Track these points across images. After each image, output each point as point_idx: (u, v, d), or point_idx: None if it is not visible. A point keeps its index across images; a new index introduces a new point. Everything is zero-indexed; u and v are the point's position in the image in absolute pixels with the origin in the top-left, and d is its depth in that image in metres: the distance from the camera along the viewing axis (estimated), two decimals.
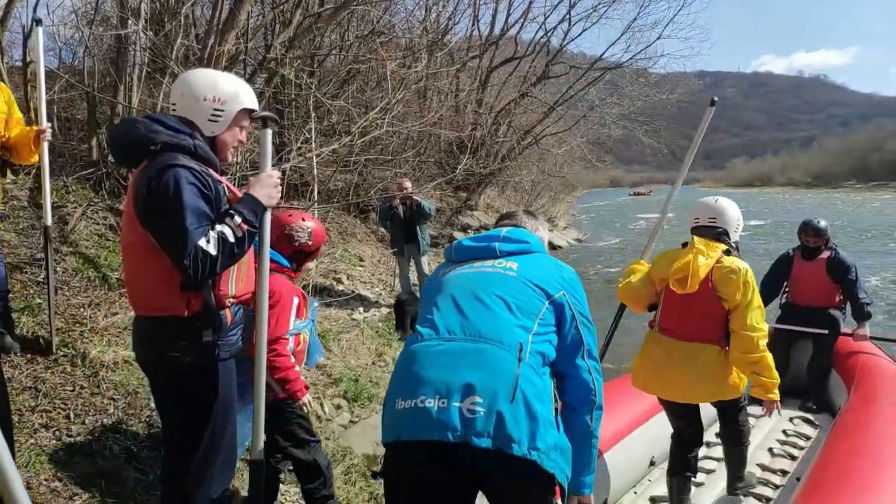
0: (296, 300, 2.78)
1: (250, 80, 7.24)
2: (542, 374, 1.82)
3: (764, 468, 3.76)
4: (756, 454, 3.94)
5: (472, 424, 1.63)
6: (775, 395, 3.04)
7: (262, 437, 2.29)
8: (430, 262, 8.56)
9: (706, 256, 2.97)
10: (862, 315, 4.86)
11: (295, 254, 2.86)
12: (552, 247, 18.87)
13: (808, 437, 4.31)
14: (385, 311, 7.40)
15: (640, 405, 3.78)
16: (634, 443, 3.60)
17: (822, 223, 5.06)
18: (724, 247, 3.06)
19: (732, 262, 2.99)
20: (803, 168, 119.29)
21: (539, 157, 18.89)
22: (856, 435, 3.39)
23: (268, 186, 2.17)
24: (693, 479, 3.28)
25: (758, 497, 3.39)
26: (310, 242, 2.88)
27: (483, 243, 2.09)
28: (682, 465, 3.20)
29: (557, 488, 1.81)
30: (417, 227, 7.78)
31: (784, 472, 3.74)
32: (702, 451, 4.05)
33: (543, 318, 1.89)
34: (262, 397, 2.29)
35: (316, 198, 8.04)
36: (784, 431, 4.35)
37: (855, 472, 2.92)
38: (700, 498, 3.42)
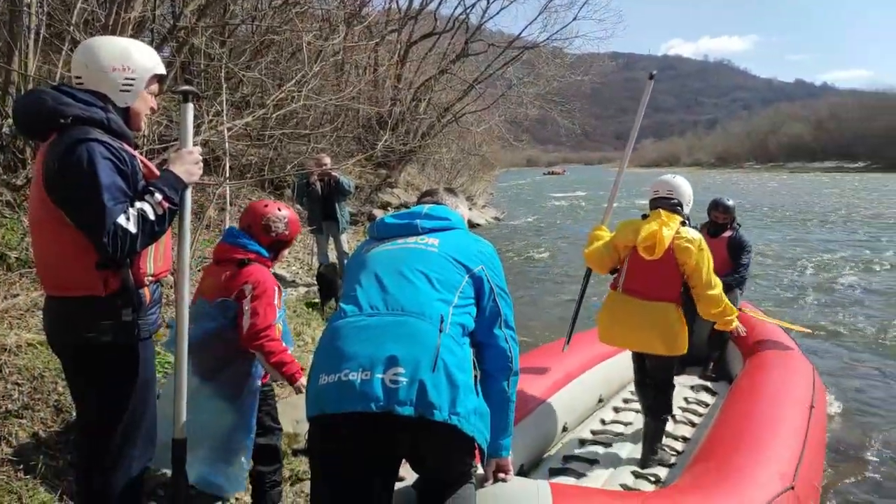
0: (276, 289, 2.78)
1: (158, 49, 6.90)
2: (463, 345, 1.90)
3: (666, 435, 3.98)
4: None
5: (395, 394, 1.69)
6: (738, 326, 3.68)
7: (184, 414, 2.27)
8: (349, 240, 8.49)
9: (669, 228, 3.37)
10: (740, 283, 5.20)
11: (273, 244, 2.86)
12: (471, 225, 18.92)
13: (707, 405, 4.59)
14: (303, 290, 7.32)
15: (552, 376, 3.94)
16: (549, 410, 3.75)
17: (731, 202, 5.39)
18: (681, 218, 3.47)
19: (688, 232, 3.42)
20: (708, 149, 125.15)
21: (459, 136, 18.99)
22: (748, 399, 3.66)
23: (188, 163, 2.14)
24: (670, 417, 3.73)
25: (660, 462, 3.59)
26: (287, 232, 2.88)
27: (405, 220, 2.15)
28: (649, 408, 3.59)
29: (477, 451, 1.90)
30: (336, 205, 7.65)
31: (685, 439, 3.96)
32: (609, 416, 4.29)
33: (463, 291, 1.97)
34: (184, 377, 2.28)
35: (227, 173, 7.80)
36: (685, 399, 4.59)
37: (748, 433, 3.17)
38: (608, 460, 3.59)
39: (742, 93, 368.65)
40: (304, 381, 2.75)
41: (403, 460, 1.95)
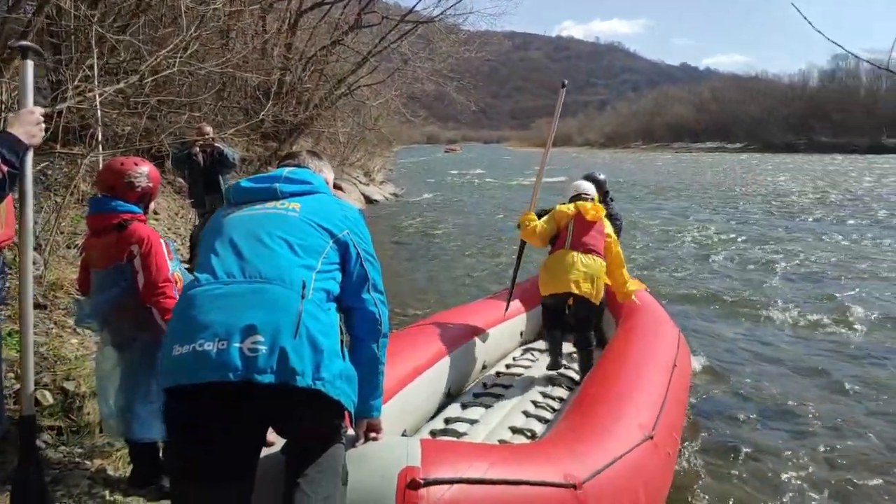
0: (163, 242, 2.75)
1: (14, 7, 6.35)
2: (328, 310, 1.86)
3: (544, 395, 4.13)
4: (540, 382, 4.34)
5: (254, 362, 1.63)
6: (633, 290, 4.73)
7: (32, 387, 2.15)
8: None
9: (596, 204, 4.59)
10: None
11: (140, 199, 2.84)
12: (370, 201, 18.99)
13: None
14: (185, 267, 7.00)
15: (438, 344, 4.00)
16: (432, 377, 3.80)
17: (602, 176, 5.63)
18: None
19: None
20: (598, 129, 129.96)
21: (354, 110, 18.67)
22: (616, 361, 3.85)
23: (28, 124, 2.01)
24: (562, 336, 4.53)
25: (539, 419, 3.73)
26: (150, 185, 2.87)
27: (264, 184, 2.05)
28: (555, 327, 4.54)
29: (346, 415, 1.88)
30: (220, 177, 7.32)
31: (562, 399, 4.13)
32: (491, 380, 4.41)
33: (327, 256, 1.92)
34: (30, 347, 2.17)
35: (100, 143, 7.31)
36: (564, 364, 4.80)
37: (612, 390, 3.33)
38: (489, 419, 3.68)
39: (631, 75, 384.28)
40: None
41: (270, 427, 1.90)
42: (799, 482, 3.70)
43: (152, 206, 2.96)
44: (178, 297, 2.70)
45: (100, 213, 2.78)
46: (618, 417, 3.03)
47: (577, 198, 4.65)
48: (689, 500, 3.50)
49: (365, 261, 2.02)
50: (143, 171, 2.84)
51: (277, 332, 1.68)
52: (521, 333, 5.26)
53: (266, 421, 1.81)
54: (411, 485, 1.92)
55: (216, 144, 7.26)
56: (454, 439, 3.34)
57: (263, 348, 1.65)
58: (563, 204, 4.64)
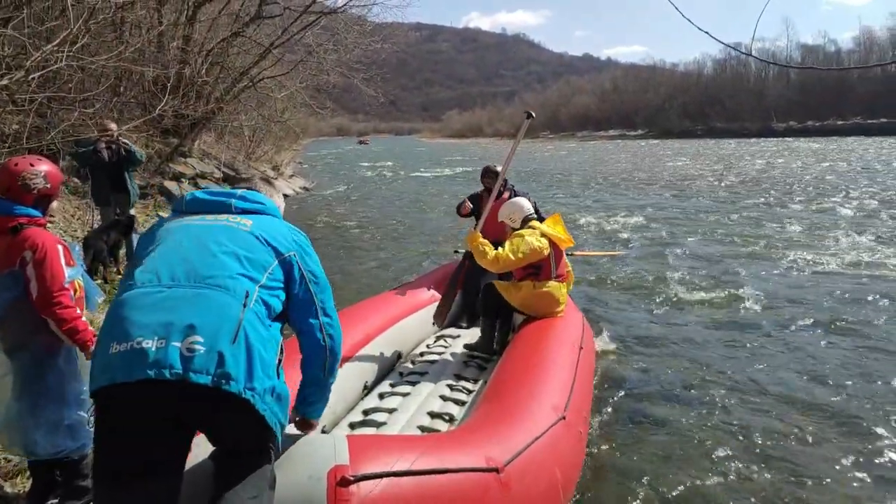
0: (59, 247, 2.61)
1: None
2: (269, 326, 1.88)
3: (459, 378, 4.20)
4: (454, 367, 4.40)
5: (191, 362, 1.65)
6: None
7: None
8: (137, 214, 7.87)
9: None
10: None
11: (38, 201, 2.69)
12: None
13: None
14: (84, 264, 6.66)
15: (353, 337, 3.99)
16: (349, 371, 3.80)
17: (499, 167, 5.79)
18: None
19: None
20: (507, 120, 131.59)
21: (259, 103, 18.17)
22: (526, 344, 4.01)
23: None
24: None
25: (456, 402, 3.77)
26: (48, 185, 2.71)
27: (219, 198, 2.11)
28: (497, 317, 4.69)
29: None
30: (126, 174, 7.08)
31: (476, 381, 4.22)
32: (408, 367, 4.43)
33: (273, 273, 1.96)
34: None
35: None
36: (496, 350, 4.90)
37: (525, 373, 3.44)
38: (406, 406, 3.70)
39: (537, 66, 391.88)
40: None
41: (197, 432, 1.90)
42: (704, 453, 3.91)
43: (54, 205, 2.81)
44: (75, 305, 2.62)
45: None
46: (532, 400, 3.13)
47: (529, 218, 4.77)
48: (602, 476, 3.65)
49: (311, 282, 2.05)
50: (40, 171, 2.68)
51: (216, 335, 1.71)
52: (433, 322, 5.31)
53: (196, 424, 1.81)
54: (341, 482, 1.94)
55: (122, 140, 7.06)
56: (378, 433, 3.34)
57: (201, 349, 1.67)
58: (522, 233, 4.60)
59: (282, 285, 1.99)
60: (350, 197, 20.74)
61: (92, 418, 2.67)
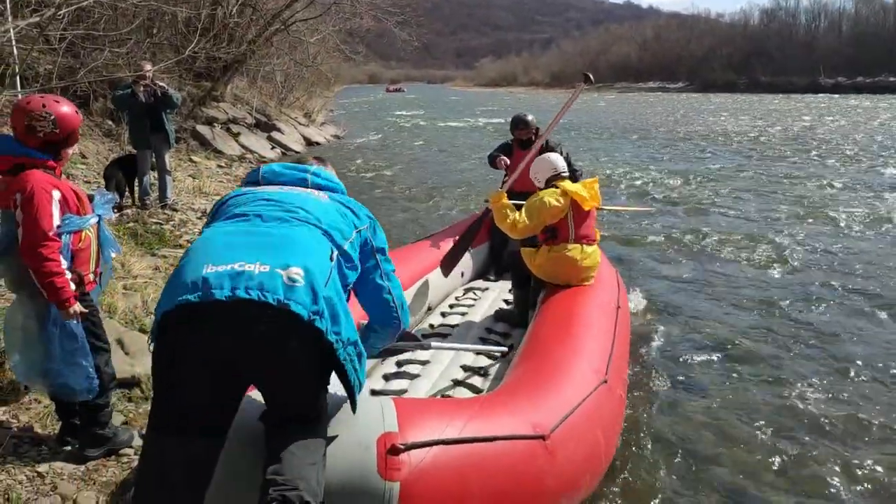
0: (56, 193, 2.46)
1: None
2: (343, 294, 1.85)
3: (490, 331, 4.09)
4: (484, 320, 4.32)
5: (294, 291, 1.63)
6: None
7: None
8: (171, 159, 7.82)
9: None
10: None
11: (45, 145, 2.53)
12: (309, 143, 18.42)
13: None
14: (114, 215, 6.64)
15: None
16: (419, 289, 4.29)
17: (529, 117, 5.64)
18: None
19: None
20: (543, 69, 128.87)
21: (291, 47, 17.90)
22: (561, 303, 3.82)
23: None
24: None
25: (488, 356, 3.68)
26: (56, 131, 2.53)
27: (298, 172, 2.11)
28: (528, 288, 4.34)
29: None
30: (164, 116, 7.04)
31: (507, 335, 4.14)
32: (437, 320, 4.37)
33: (353, 243, 1.97)
34: None
35: (17, 82, 6.78)
36: (505, 301, 4.82)
37: (563, 334, 3.33)
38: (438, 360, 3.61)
39: (575, 13, 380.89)
40: (77, 307, 2.51)
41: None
42: (742, 421, 3.77)
43: (71, 151, 2.67)
44: (57, 258, 2.45)
45: (1, 153, 2.54)
46: (572, 362, 3.01)
47: (556, 177, 4.26)
48: (639, 440, 3.54)
49: (379, 252, 2.10)
50: (50, 114, 2.50)
51: (312, 273, 1.69)
52: (462, 274, 5.21)
53: (269, 361, 1.70)
54: (392, 451, 1.88)
55: (158, 83, 7.04)
56: (410, 383, 3.28)
57: (302, 281, 1.65)
58: (545, 189, 4.20)
59: (357, 256, 1.99)
60: (381, 146, 20.50)
61: (101, 370, 2.63)
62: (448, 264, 4.69)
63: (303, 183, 2.06)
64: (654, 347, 4.79)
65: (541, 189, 4.26)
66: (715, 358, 4.58)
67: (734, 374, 4.34)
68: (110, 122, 9.46)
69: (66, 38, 6.84)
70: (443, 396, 3.15)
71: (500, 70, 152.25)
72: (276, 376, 1.74)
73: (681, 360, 4.58)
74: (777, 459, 3.35)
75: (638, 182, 12.77)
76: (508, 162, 5.61)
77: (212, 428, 1.71)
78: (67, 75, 8.02)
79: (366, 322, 2.21)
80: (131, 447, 2.81)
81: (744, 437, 3.57)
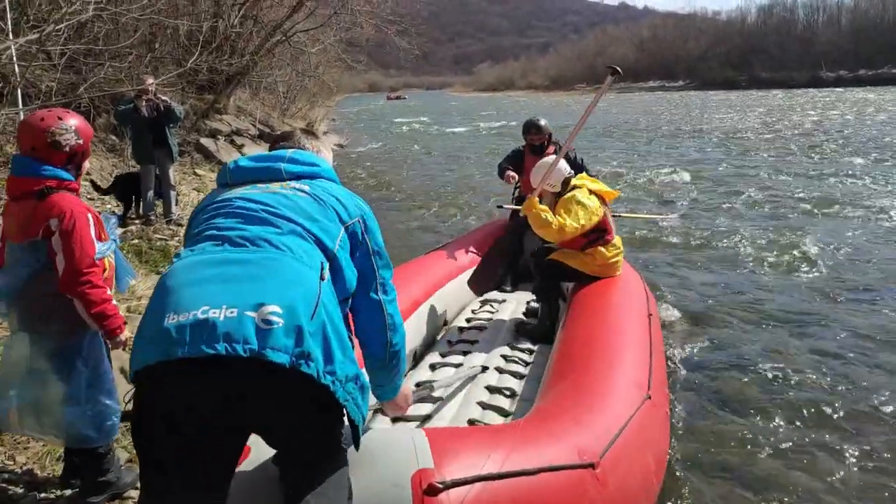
0: (90, 217, 2.31)
1: None
2: (337, 306, 1.59)
3: (514, 348, 3.91)
4: (505, 335, 4.10)
5: (269, 336, 1.35)
6: None
7: None
8: (175, 173, 7.68)
9: None
10: None
11: (69, 160, 2.38)
12: None
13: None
14: (119, 230, 6.49)
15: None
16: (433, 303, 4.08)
17: (542, 121, 5.44)
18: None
19: None
20: (541, 72, 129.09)
21: (293, 58, 17.85)
22: (589, 312, 3.62)
23: None
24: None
25: (513, 375, 3.50)
26: (81, 141, 2.38)
27: (265, 163, 1.80)
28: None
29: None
30: (167, 131, 6.91)
31: (531, 351, 3.92)
32: (455, 336, 4.16)
33: (342, 242, 1.69)
34: None
35: (19, 99, 6.64)
36: (524, 313, 4.59)
37: (597, 346, 3.12)
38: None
39: (572, 16, 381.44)
40: (126, 334, 2.36)
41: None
42: (790, 433, 3.59)
43: (86, 165, 2.51)
44: (105, 286, 2.32)
45: (21, 175, 2.34)
46: (612, 377, 2.82)
47: (568, 181, 4.19)
48: (687, 461, 3.33)
49: (374, 255, 1.80)
50: (70, 125, 2.36)
51: (293, 307, 1.41)
52: None
53: (258, 417, 1.47)
54: (429, 490, 1.68)
55: (161, 97, 6.93)
56: (433, 408, 3.09)
57: (279, 322, 1.37)
58: (573, 196, 4.02)
59: (348, 258, 1.72)
60: (385, 154, 20.38)
61: (121, 409, 2.44)
62: (482, 282, 4.56)
63: (277, 175, 1.78)
64: (685, 358, 4.57)
65: (560, 194, 4.13)
66: (754, 372, 4.31)
67: (776, 390, 4.08)
68: (114, 138, 9.33)
69: (67, 53, 6.71)
70: (471, 423, 2.96)
71: (498, 75, 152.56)
72: (273, 433, 1.53)
73: (717, 373, 4.34)
74: (829, 481, 3.14)
75: (647, 183, 12.57)
76: (517, 177, 5.44)
77: (219, 480, 1.49)
78: (69, 91, 7.89)
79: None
80: (136, 488, 2.62)
81: (790, 455, 3.37)
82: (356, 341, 1.81)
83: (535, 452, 2.01)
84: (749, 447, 3.44)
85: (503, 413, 3.11)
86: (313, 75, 19.76)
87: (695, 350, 4.69)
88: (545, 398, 2.69)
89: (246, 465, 1.78)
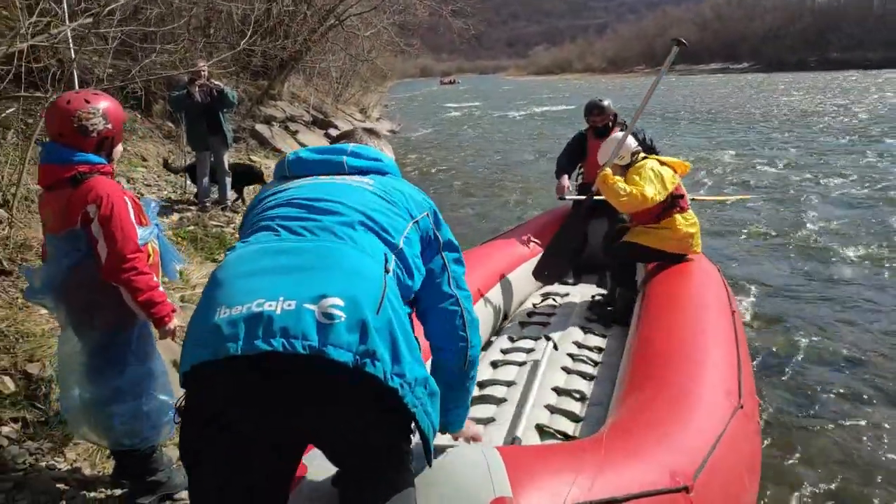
0: (128, 201, 2.23)
1: None
2: (403, 306, 1.41)
3: (580, 345, 3.61)
4: (571, 332, 3.77)
5: (330, 332, 1.20)
6: None
7: None
8: (230, 160, 7.61)
9: None
10: None
11: (99, 145, 2.23)
12: None
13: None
14: (176, 216, 6.44)
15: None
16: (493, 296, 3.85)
17: (605, 101, 5.04)
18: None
19: None
20: (599, 54, 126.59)
21: (346, 43, 17.75)
22: (667, 309, 3.29)
23: None
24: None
25: (582, 376, 3.22)
26: (110, 126, 2.22)
27: (328, 156, 1.66)
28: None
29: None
30: (221, 116, 6.83)
31: (600, 349, 3.63)
32: (515, 332, 3.88)
33: (409, 237, 1.52)
34: None
35: (76, 83, 6.63)
36: (590, 308, 4.24)
37: (679, 347, 2.80)
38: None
39: None
40: (176, 322, 2.23)
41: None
42: (889, 444, 3.20)
43: (118, 150, 2.34)
44: (151, 272, 2.18)
45: (50, 164, 2.20)
46: (698, 384, 2.50)
47: (636, 153, 4.02)
48: (778, 475, 3.00)
49: (445, 248, 1.64)
50: (98, 108, 2.19)
51: (357, 300, 1.25)
52: None
53: (316, 423, 1.28)
54: None
55: (214, 82, 6.84)
56: (497, 410, 2.84)
57: (342, 315, 1.22)
58: (649, 166, 3.87)
59: (418, 253, 1.54)
60: (438, 139, 20.14)
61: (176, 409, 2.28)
62: (552, 270, 4.33)
63: (339, 168, 1.63)
64: (769, 359, 4.20)
65: (629, 165, 3.94)
66: (838, 371, 3.97)
67: (863, 393, 3.73)
68: (171, 124, 9.35)
69: (118, 37, 6.66)
70: (539, 429, 2.69)
71: (554, 58, 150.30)
72: (332, 441, 1.34)
73: (807, 378, 3.98)
74: None
75: (717, 167, 11.97)
76: (570, 187, 5.13)
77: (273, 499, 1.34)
78: (124, 77, 7.90)
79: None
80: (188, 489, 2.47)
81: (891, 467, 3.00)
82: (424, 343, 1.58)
83: (622, 476, 1.76)
84: (843, 459, 3.10)
85: (573, 418, 2.84)
86: (366, 60, 19.62)
87: (775, 349, 4.31)
88: (624, 407, 2.40)
89: (301, 485, 1.59)
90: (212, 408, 1.25)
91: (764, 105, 27.27)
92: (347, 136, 1.85)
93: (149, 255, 2.26)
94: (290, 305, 1.21)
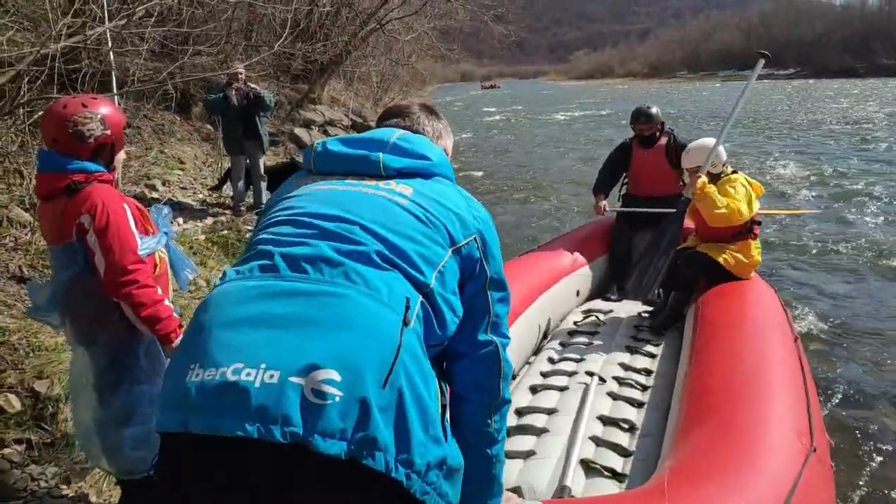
0: (127, 208, 2.10)
1: None
2: (426, 357, 1.15)
3: (627, 368, 3.36)
4: (616, 354, 3.53)
5: (319, 415, 0.97)
6: None
7: None
8: (266, 162, 7.54)
9: None
10: None
11: (96, 152, 2.09)
12: None
13: (656, 344, 3.89)
14: (210, 220, 6.36)
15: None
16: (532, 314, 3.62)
17: (654, 109, 4.73)
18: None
19: None
20: (641, 59, 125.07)
21: (387, 48, 17.72)
22: (723, 335, 3.02)
23: None
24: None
25: (630, 402, 2.98)
26: (108, 132, 2.08)
27: (362, 150, 1.35)
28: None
29: None
30: (257, 120, 6.75)
31: (648, 372, 3.37)
32: (556, 352, 3.64)
33: (445, 269, 1.23)
34: None
35: (114, 84, 6.62)
36: (636, 326, 4.00)
37: (741, 379, 2.54)
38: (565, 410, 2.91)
39: (673, 1, 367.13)
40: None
41: None
42: None
43: (120, 157, 2.19)
44: (154, 284, 2.01)
45: (45, 172, 2.07)
46: (767, 421, 2.25)
47: (715, 174, 3.84)
48: None
49: (491, 284, 1.33)
50: (96, 113, 2.06)
51: (358, 373, 1.01)
52: (578, 293, 4.44)
53: None
54: None
55: (251, 85, 6.79)
56: (537, 441, 2.62)
57: (337, 394, 0.98)
58: (733, 176, 3.80)
59: (455, 289, 1.25)
60: (478, 144, 19.94)
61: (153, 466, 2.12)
62: (642, 286, 3.98)
63: (373, 170, 1.33)
64: (835, 390, 3.87)
65: (718, 175, 3.81)
66: None
67: None
68: (209, 127, 9.35)
69: (157, 38, 6.63)
70: (584, 464, 2.45)
71: (595, 62, 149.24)
72: None
73: (865, 405, 3.67)
74: None
75: (768, 177, 11.49)
76: (607, 207, 4.84)
77: None
78: (165, 79, 7.88)
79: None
80: None
81: None
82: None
83: None
84: None
85: (622, 452, 2.60)
86: (407, 64, 19.56)
87: (839, 378, 3.98)
88: (684, 448, 2.16)
89: None
90: (177, 484, 1.05)
91: (812, 112, 26.41)
92: (401, 112, 1.55)
93: (155, 266, 2.12)
94: (271, 377, 0.98)
